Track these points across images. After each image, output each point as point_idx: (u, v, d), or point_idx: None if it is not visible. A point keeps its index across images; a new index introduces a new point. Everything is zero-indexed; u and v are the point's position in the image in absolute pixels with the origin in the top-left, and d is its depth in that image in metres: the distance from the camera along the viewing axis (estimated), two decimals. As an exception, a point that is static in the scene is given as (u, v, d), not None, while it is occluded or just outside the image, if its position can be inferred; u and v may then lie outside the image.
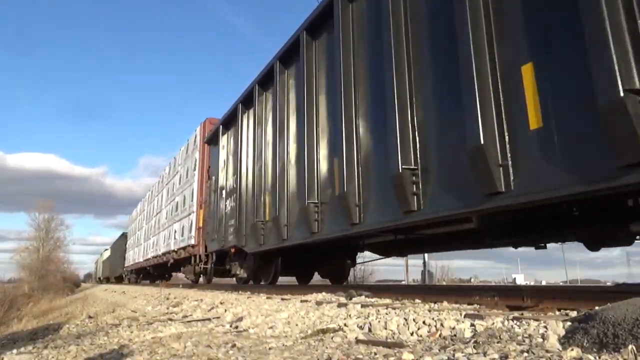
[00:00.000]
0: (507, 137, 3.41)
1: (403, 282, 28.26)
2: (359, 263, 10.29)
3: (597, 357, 1.91)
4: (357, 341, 2.91)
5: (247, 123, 9.70)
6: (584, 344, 2.07)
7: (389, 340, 2.89)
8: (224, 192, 11.06)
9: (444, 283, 30.36)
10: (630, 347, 1.86)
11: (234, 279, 11.97)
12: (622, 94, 2.58)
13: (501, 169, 3.41)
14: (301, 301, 5.24)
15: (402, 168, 4.32)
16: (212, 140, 12.97)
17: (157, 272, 24.81)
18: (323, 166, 6.24)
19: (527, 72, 3.30)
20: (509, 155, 3.39)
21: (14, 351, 3.72)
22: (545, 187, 3.13)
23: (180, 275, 19.69)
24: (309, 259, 9.63)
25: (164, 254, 19.80)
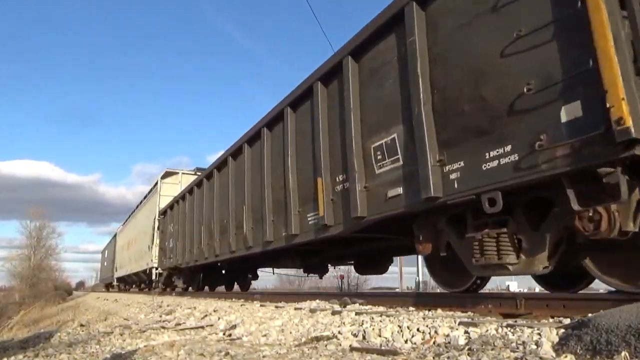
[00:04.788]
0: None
1: (397, 290, 28.23)
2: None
3: (591, 364, 1.91)
4: (351, 349, 2.90)
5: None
6: (578, 351, 2.07)
7: (383, 347, 2.89)
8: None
9: (438, 290, 30.33)
10: (623, 353, 1.87)
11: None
12: None
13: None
14: (295, 309, 5.21)
15: None
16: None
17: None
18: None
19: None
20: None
21: (4, 360, 3.68)
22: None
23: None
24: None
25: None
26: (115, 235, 32.90)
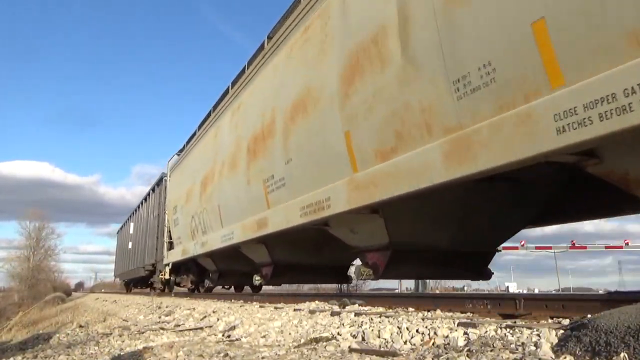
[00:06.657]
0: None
1: (396, 291, 28.24)
2: None
3: (590, 365, 1.91)
4: (351, 350, 2.90)
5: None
6: (577, 352, 2.07)
7: (382, 349, 2.89)
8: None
9: (437, 291, 30.38)
10: (622, 355, 1.87)
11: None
12: None
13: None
14: (294, 310, 5.21)
15: None
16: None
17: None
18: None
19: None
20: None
21: (3, 361, 3.67)
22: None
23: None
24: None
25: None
26: (159, 182, 16.56)
